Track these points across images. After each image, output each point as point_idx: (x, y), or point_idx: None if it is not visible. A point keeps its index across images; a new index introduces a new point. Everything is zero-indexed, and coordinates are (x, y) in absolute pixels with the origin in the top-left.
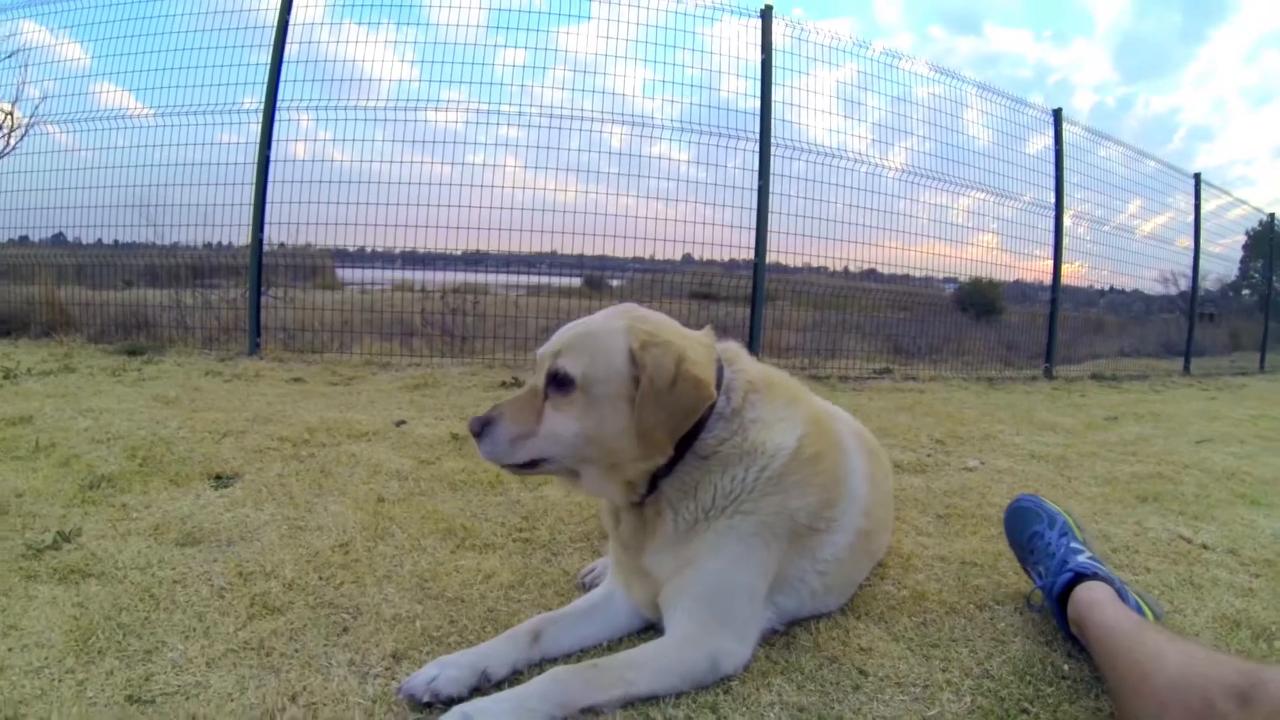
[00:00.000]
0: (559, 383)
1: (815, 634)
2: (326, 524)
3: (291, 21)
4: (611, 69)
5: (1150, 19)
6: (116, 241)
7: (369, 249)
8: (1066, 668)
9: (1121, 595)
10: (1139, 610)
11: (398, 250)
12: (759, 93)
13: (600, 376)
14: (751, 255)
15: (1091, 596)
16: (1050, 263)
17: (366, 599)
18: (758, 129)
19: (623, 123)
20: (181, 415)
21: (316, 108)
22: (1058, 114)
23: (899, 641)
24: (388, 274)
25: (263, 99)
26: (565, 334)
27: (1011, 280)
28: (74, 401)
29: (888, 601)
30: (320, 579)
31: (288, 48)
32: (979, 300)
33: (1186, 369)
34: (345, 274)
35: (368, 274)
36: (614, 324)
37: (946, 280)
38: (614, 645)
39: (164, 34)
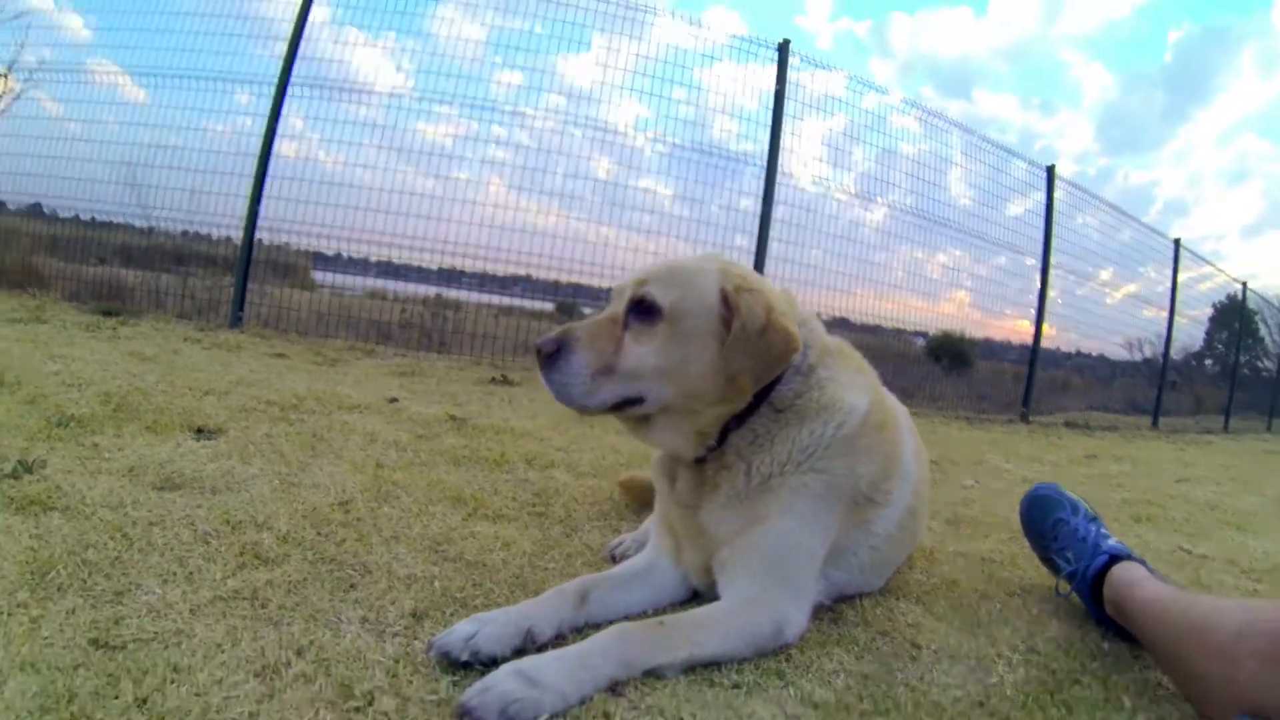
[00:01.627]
0: (642, 311)
1: (861, 610)
2: (322, 483)
3: (310, 19)
4: (606, 97)
5: (1136, 95)
6: (94, 219)
7: (345, 254)
8: (1106, 645)
9: (1152, 573)
10: None
11: (373, 259)
12: (769, 121)
13: (691, 310)
14: None
15: (1129, 576)
16: (1020, 323)
17: (374, 558)
18: (765, 159)
19: (610, 151)
20: (159, 371)
21: (316, 96)
22: (1051, 170)
23: (942, 621)
24: (362, 281)
25: (273, 85)
26: (652, 266)
27: (982, 338)
28: (44, 348)
29: (921, 587)
30: (319, 534)
31: (303, 44)
32: (951, 351)
33: (1155, 424)
34: (320, 276)
35: (341, 278)
36: (706, 264)
37: (916, 333)
38: (659, 612)
39: (168, 14)
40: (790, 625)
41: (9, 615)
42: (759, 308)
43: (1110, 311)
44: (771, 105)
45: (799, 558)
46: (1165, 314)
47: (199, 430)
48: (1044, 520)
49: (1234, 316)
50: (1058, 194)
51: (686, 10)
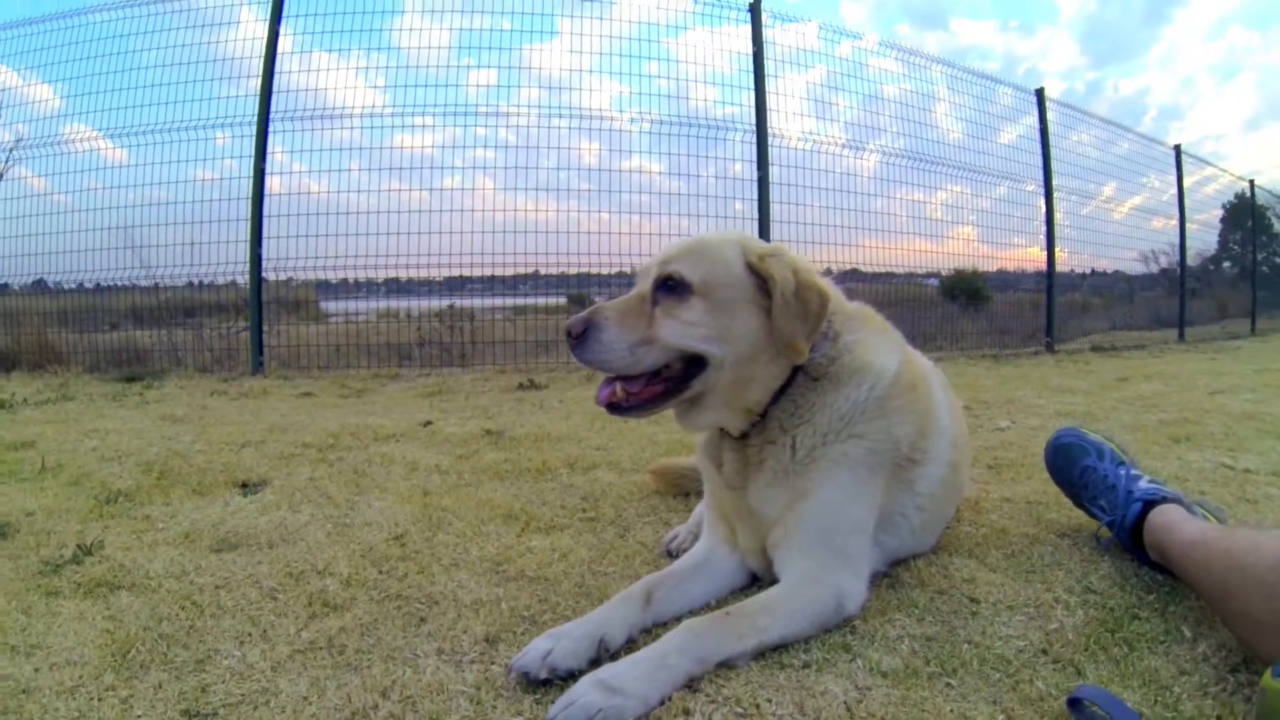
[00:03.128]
0: (671, 288)
1: (916, 571)
2: (374, 519)
3: (279, 50)
4: (582, 84)
5: (1112, 3)
6: (99, 285)
7: (351, 280)
8: (1160, 577)
9: (1190, 511)
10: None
11: (380, 280)
12: (752, 85)
13: (723, 281)
14: None
15: (1166, 519)
16: (1031, 250)
17: (438, 587)
18: (753, 120)
19: (594, 135)
20: (194, 431)
21: (296, 129)
22: (1040, 94)
23: (996, 572)
24: (371, 304)
25: (254, 128)
26: (675, 245)
27: (994, 270)
28: (76, 425)
29: (971, 539)
30: (380, 572)
31: (277, 76)
32: (966, 289)
33: (1181, 337)
34: (329, 306)
35: (351, 305)
36: (726, 238)
37: (929, 275)
38: (723, 602)
39: (137, 70)
40: (850, 598)
41: (99, 700)
42: (786, 270)
43: (1119, 227)
44: (752, 68)
45: (849, 528)
46: (1175, 223)
47: (244, 485)
48: (1071, 469)
49: (1245, 215)
50: (1050, 116)
51: None
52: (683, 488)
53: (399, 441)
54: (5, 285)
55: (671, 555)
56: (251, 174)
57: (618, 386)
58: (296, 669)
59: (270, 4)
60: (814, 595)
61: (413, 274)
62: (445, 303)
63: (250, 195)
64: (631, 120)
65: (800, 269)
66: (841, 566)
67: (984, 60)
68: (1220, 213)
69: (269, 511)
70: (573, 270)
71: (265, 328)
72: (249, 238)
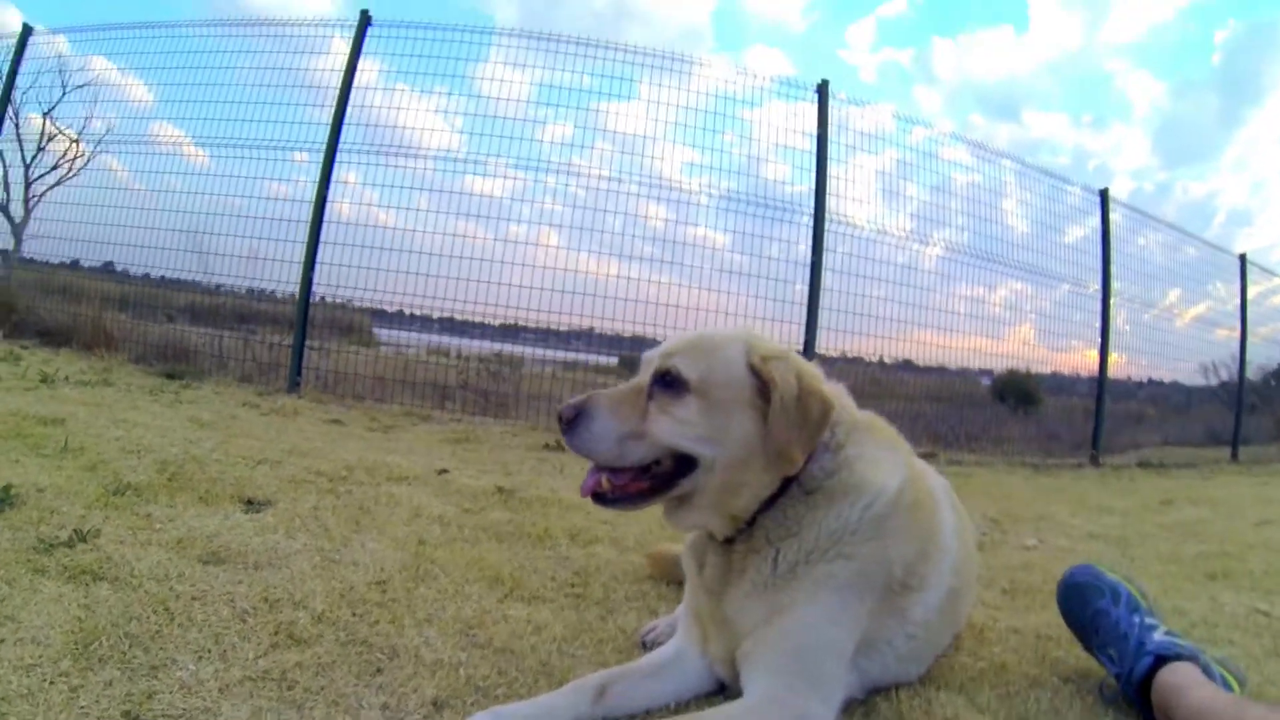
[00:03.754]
0: (668, 384)
1: (896, 703)
2: (363, 560)
3: (355, 84)
4: (653, 151)
5: (1187, 101)
6: (164, 277)
7: (407, 312)
8: None
9: (1206, 671)
10: (1224, 684)
11: (435, 316)
12: (814, 166)
13: (720, 381)
14: (791, 343)
15: (1177, 680)
16: (1089, 354)
17: (404, 640)
18: (812, 204)
19: (662, 200)
20: (216, 438)
21: (369, 161)
22: (1104, 194)
23: (984, 714)
24: (423, 338)
25: (322, 151)
26: (679, 339)
27: (1049, 372)
28: (108, 412)
29: (966, 673)
30: (353, 614)
31: (349, 109)
32: (1017, 390)
33: (1234, 456)
34: (382, 334)
35: (403, 335)
36: (731, 335)
37: (982, 372)
38: (683, 706)
39: (226, 85)
40: None
41: (51, 683)
42: (790, 375)
43: (1179, 336)
44: (814, 149)
45: (825, 652)
46: (1235, 333)
47: (249, 502)
48: (1083, 612)
49: None
50: (1114, 217)
51: (729, 52)
52: (677, 576)
53: (410, 485)
54: (76, 262)
55: (646, 646)
56: (314, 198)
57: (603, 477)
58: (243, 695)
59: (353, 33)
60: (773, 717)
61: (468, 314)
62: (495, 347)
63: (310, 218)
64: (700, 190)
65: (805, 374)
66: (810, 691)
67: (1054, 155)
68: None
69: (265, 533)
70: (627, 332)
71: (311, 344)
72: (304, 258)
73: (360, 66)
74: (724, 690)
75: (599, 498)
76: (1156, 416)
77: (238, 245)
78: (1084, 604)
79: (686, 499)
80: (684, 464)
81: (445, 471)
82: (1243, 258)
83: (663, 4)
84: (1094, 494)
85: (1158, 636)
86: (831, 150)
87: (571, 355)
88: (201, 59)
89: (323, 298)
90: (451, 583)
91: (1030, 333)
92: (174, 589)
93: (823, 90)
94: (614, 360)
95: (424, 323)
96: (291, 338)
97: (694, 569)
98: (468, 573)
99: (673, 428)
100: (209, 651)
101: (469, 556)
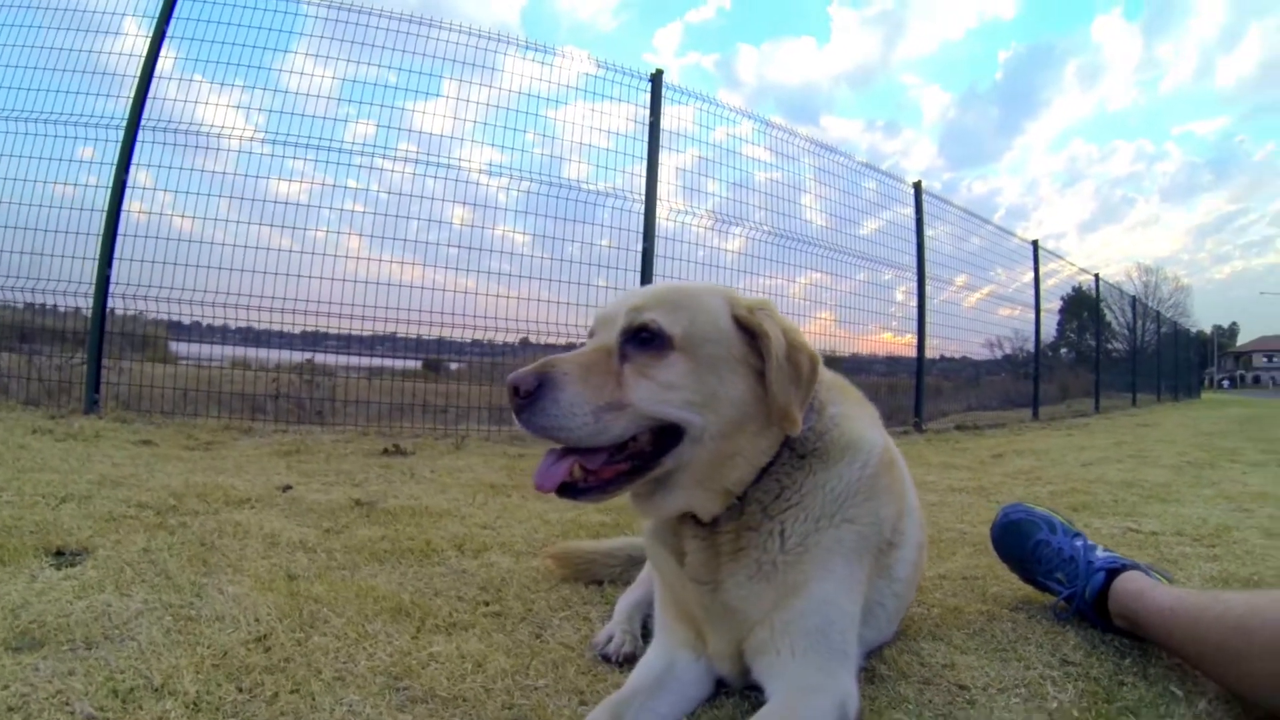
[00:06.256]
0: (645, 342)
1: (890, 662)
2: (228, 611)
3: (161, 54)
4: (458, 151)
5: (973, 112)
6: None
7: (204, 324)
8: (1126, 642)
9: (1148, 575)
10: None
11: (234, 327)
12: (645, 154)
13: (708, 336)
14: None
15: (1134, 587)
16: (885, 334)
17: (321, 714)
18: (644, 189)
19: (466, 201)
20: (4, 474)
21: (175, 146)
22: (918, 186)
23: (968, 654)
24: (223, 350)
25: (120, 139)
26: (644, 292)
27: (848, 355)
28: None
29: (927, 621)
30: (240, 690)
31: (153, 83)
32: None
33: (1036, 415)
34: (180, 348)
35: (202, 349)
36: (705, 286)
37: None
38: (692, 719)
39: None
40: (851, 701)
41: None
42: (776, 328)
43: (969, 315)
44: (647, 138)
45: (846, 624)
46: (1017, 311)
47: (58, 553)
48: (1022, 545)
49: (1080, 306)
50: (906, 212)
51: (538, 51)
52: (590, 574)
53: (254, 508)
54: None
55: (609, 660)
56: (110, 183)
57: (575, 463)
58: None
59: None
60: (818, 707)
61: (269, 323)
62: (301, 356)
63: (106, 208)
64: (506, 186)
65: (789, 328)
66: (841, 669)
67: (851, 155)
68: (1059, 304)
69: (89, 593)
70: (430, 334)
71: (107, 362)
72: (99, 253)
73: (162, 52)
74: (723, 687)
75: (567, 489)
76: (951, 389)
77: (16, 240)
78: (1023, 539)
79: (667, 479)
80: (666, 436)
81: (289, 488)
82: (1035, 244)
83: (471, 3)
84: (932, 455)
85: (1100, 554)
86: (637, 149)
87: (376, 361)
88: None
89: (112, 309)
90: (347, 623)
91: (830, 315)
92: None
93: (656, 80)
94: (418, 364)
95: (224, 334)
96: (81, 355)
97: (671, 562)
98: (362, 608)
99: (657, 393)
100: None
101: (354, 587)
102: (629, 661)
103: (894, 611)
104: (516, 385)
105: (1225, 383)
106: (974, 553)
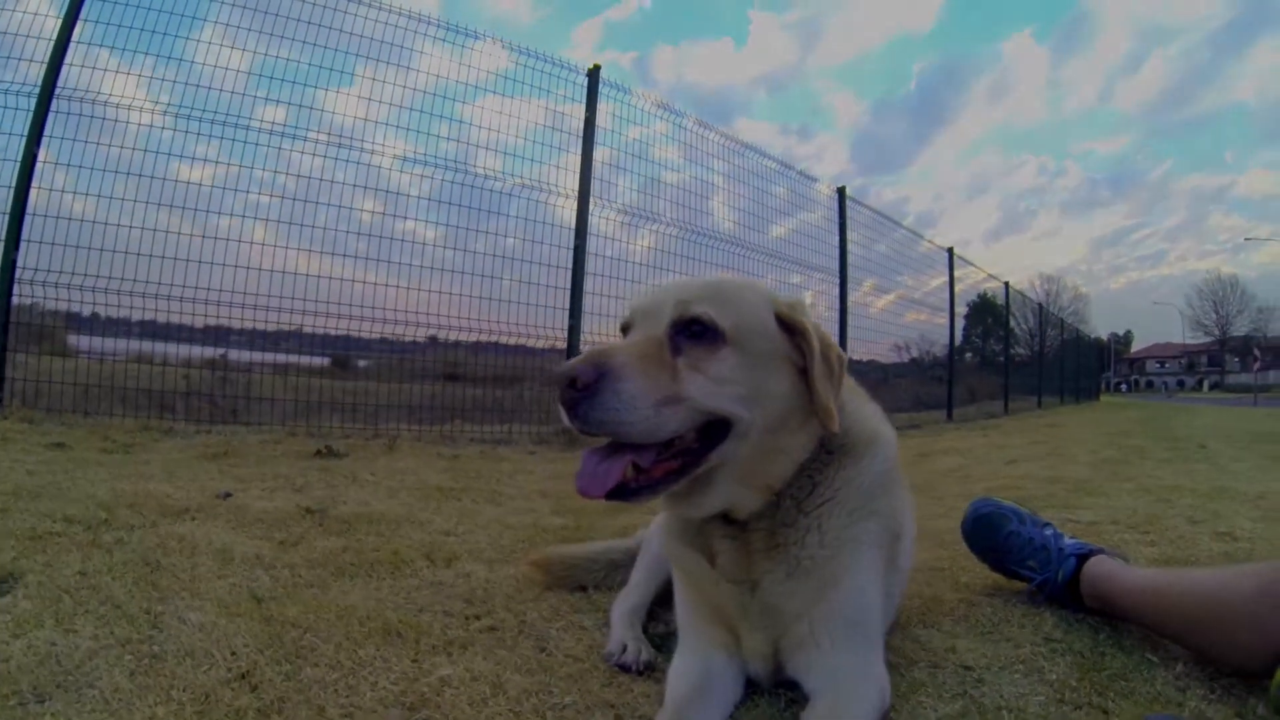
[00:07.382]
0: (697, 335)
1: (895, 650)
2: (197, 645)
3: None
4: (369, 140)
5: (885, 120)
6: None
7: (104, 316)
8: (1099, 620)
9: (1112, 558)
10: None
11: (134, 320)
12: (579, 148)
13: (757, 331)
14: (493, 337)
15: (1104, 570)
16: None
17: None
18: (577, 186)
19: (374, 192)
20: None
21: (65, 135)
22: (842, 192)
23: (962, 638)
24: (124, 344)
25: (30, 107)
26: (689, 284)
27: None
28: None
29: (914, 610)
30: None
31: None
32: None
33: (950, 416)
34: (77, 341)
35: (102, 343)
36: (745, 281)
37: None
38: None
39: None
40: (887, 687)
41: None
42: (810, 326)
43: (878, 318)
44: (582, 133)
45: (875, 615)
46: (925, 316)
47: None
48: (995, 537)
49: (985, 312)
50: (821, 213)
51: (454, 44)
52: (573, 580)
53: (195, 519)
54: None
55: (628, 669)
56: (19, 157)
57: (630, 462)
58: None
59: None
60: (864, 696)
61: (173, 314)
62: (211, 351)
63: (13, 184)
64: (418, 179)
65: (819, 326)
66: (876, 655)
67: (763, 158)
68: (965, 309)
69: (26, 629)
70: (336, 331)
71: (5, 357)
72: (4, 237)
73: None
74: (753, 685)
75: (620, 491)
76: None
77: None
78: (994, 530)
79: (708, 476)
80: (713, 432)
81: (229, 495)
82: (950, 250)
83: None
84: None
85: (1068, 541)
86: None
87: (281, 358)
88: None
89: (14, 292)
90: (337, 650)
91: None
92: None
93: (593, 75)
94: (326, 361)
95: (125, 327)
96: None
97: (702, 563)
98: (348, 631)
99: (712, 387)
100: None
101: (331, 608)
102: (649, 669)
103: (896, 600)
104: (574, 377)
105: (1122, 386)
106: (933, 545)
